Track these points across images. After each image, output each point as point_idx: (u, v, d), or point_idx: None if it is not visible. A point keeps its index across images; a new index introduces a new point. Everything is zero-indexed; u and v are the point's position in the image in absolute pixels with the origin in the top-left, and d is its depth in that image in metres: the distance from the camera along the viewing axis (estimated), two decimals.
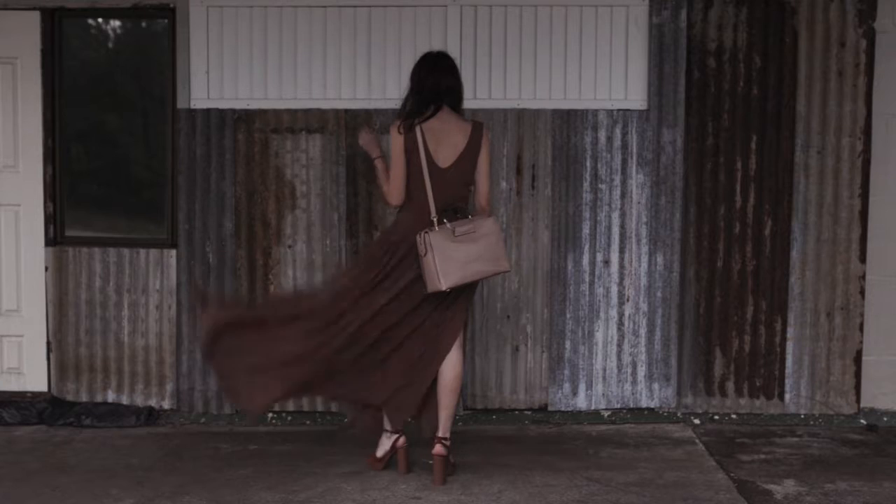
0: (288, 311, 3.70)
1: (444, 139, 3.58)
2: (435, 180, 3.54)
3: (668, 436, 4.39)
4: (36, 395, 4.77)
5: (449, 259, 3.41)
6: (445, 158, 3.57)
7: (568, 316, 4.62)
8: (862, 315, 4.59)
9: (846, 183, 4.55)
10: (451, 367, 3.64)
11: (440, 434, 3.64)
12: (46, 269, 4.74)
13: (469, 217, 3.57)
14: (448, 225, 3.48)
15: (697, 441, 4.29)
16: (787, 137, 4.55)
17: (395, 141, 3.59)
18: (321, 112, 4.60)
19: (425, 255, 3.46)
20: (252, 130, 4.61)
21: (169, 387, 4.71)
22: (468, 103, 4.54)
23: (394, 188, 3.61)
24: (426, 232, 3.46)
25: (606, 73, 4.57)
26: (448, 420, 3.66)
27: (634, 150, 4.56)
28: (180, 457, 4.08)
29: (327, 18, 4.59)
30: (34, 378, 4.79)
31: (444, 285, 3.42)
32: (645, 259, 4.59)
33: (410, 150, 3.56)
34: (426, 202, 3.53)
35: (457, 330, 3.65)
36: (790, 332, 4.60)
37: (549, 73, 4.57)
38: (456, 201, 3.60)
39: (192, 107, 4.61)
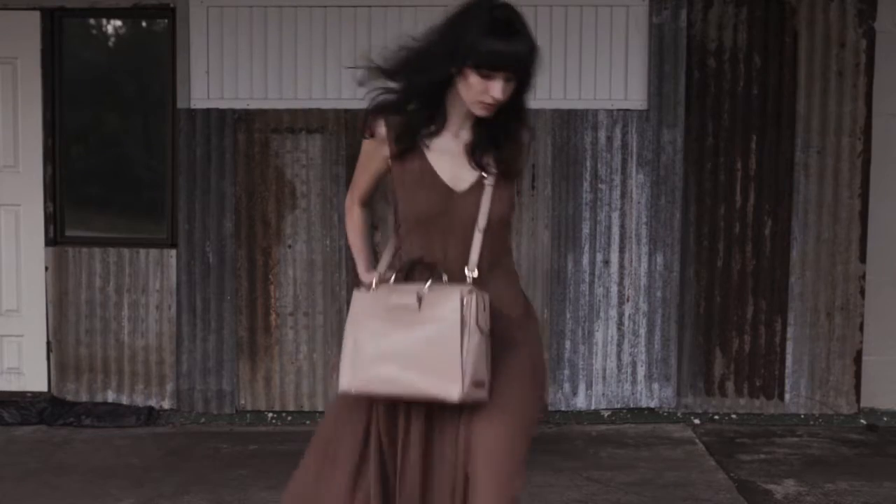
0: None
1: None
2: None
3: (668, 436, 4.39)
4: (36, 395, 4.77)
5: (358, 344, 1.97)
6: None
7: (568, 316, 4.62)
8: (862, 315, 4.59)
9: (846, 183, 4.55)
10: None
11: None
12: (46, 269, 4.74)
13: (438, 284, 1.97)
14: (389, 285, 2.04)
15: (697, 441, 4.29)
16: (787, 137, 4.55)
17: None
18: (321, 112, 4.60)
19: None
20: (252, 130, 4.61)
21: (169, 387, 4.71)
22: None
23: None
24: (356, 288, 2.10)
25: (606, 73, 4.57)
26: None
27: (634, 150, 4.56)
28: (180, 457, 4.08)
29: (327, 18, 4.59)
30: (34, 378, 4.79)
31: (337, 383, 2.00)
32: (645, 259, 4.59)
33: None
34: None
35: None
36: (790, 332, 4.60)
37: (549, 73, 4.56)
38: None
39: (192, 107, 4.61)
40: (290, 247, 4.65)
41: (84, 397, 4.74)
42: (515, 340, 2.06)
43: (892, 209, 4.61)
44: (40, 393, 4.78)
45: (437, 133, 2.05)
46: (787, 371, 4.61)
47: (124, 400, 4.73)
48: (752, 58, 4.53)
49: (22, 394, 4.78)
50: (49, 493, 3.59)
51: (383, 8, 4.55)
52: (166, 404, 4.72)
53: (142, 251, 4.70)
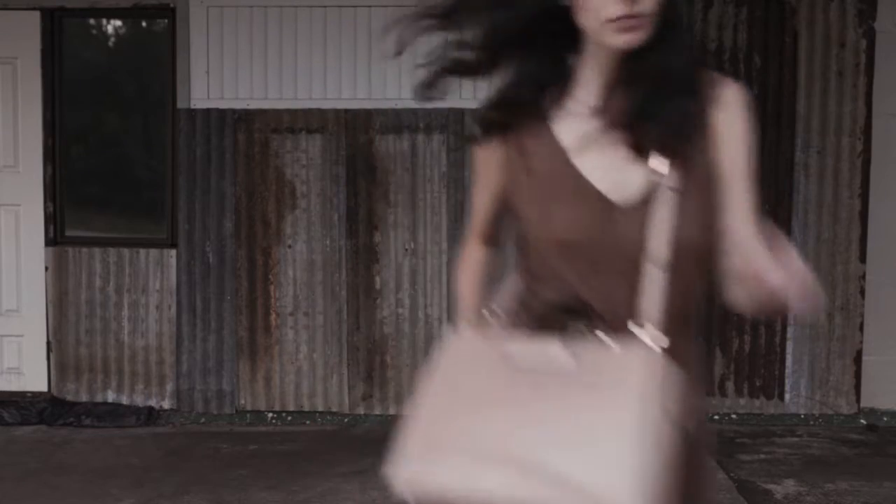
0: None
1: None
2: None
3: None
4: (36, 395, 4.77)
5: (439, 415, 1.27)
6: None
7: None
8: (862, 315, 4.59)
9: (846, 183, 4.55)
10: None
11: None
12: (46, 269, 4.74)
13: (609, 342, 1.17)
14: (502, 331, 1.30)
15: None
16: (787, 137, 4.55)
17: None
18: (321, 112, 4.60)
19: None
20: (252, 130, 4.61)
21: (169, 387, 4.71)
22: (469, 104, 4.56)
23: None
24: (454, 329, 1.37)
25: None
26: None
27: None
28: (180, 457, 4.08)
29: (327, 18, 4.60)
30: (34, 378, 4.79)
31: (397, 475, 1.33)
32: None
33: None
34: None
35: None
36: (790, 332, 4.60)
37: None
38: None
39: (192, 107, 4.60)
40: (290, 247, 4.64)
41: (84, 397, 4.74)
42: (697, 480, 1.25)
43: (892, 209, 4.61)
44: (40, 393, 4.78)
45: (561, 101, 1.24)
46: (787, 371, 4.61)
47: (124, 400, 4.73)
48: (752, 58, 4.53)
49: (22, 394, 4.78)
50: (49, 493, 3.59)
51: (383, 8, 4.55)
52: (166, 404, 4.72)
53: (142, 251, 4.70)
